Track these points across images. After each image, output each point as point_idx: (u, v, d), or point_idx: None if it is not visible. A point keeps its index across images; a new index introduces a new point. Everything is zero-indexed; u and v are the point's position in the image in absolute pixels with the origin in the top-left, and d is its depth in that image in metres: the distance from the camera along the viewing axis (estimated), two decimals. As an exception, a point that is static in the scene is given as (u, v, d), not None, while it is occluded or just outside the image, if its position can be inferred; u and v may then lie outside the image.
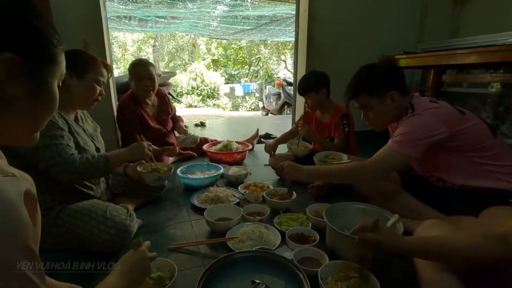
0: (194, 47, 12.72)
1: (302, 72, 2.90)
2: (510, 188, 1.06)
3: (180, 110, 8.95)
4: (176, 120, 2.48)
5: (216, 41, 12.43)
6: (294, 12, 3.07)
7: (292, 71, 3.91)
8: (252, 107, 10.98)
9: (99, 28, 2.18)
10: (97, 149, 1.38)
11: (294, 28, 3.05)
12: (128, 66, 2.21)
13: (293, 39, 3.18)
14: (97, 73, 1.25)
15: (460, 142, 1.11)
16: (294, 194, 1.58)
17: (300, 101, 2.18)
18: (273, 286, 0.92)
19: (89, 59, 1.24)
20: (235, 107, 11.06)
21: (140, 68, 2.07)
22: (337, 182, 1.52)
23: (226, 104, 11.09)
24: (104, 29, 2.21)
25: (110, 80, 2.55)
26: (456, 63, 2.21)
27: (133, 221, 1.25)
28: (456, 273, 0.79)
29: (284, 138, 2.19)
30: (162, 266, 1.01)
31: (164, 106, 2.34)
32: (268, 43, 12.16)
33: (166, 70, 11.41)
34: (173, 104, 2.60)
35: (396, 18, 3.07)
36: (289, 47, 11.58)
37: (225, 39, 10.45)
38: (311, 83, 1.95)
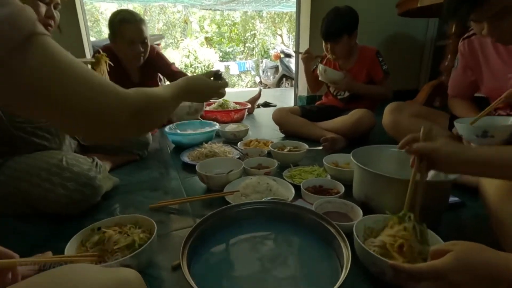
0: (186, 23, 12.09)
1: (305, 40, 2.56)
2: None
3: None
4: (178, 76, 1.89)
5: (209, 17, 11.81)
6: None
7: (289, 45, 3.53)
8: (249, 85, 10.58)
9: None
10: None
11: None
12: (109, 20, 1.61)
13: (290, 9, 2.80)
14: None
15: None
16: (306, 146, 1.30)
17: (302, 72, 1.85)
18: (294, 249, 0.65)
19: None
20: (231, 86, 10.65)
21: (130, 28, 1.55)
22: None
23: (221, 82, 10.65)
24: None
25: (86, 46, 2.21)
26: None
27: (100, 173, 0.96)
28: None
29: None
30: (140, 223, 0.74)
31: (152, 69, 1.86)
32: (263, 15, 11.59)
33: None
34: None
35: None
36: (286, 19, 11.03)
37: (217, 9, 9.87)
38: (347, 24, 1.58)
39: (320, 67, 1.66)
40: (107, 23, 1.64)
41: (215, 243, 0.67)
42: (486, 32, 0.88)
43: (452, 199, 0.95)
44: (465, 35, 1.16)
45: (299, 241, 0.67)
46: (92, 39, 2.99)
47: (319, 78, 1.73)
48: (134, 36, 1.57)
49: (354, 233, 0.64)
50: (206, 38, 12.17)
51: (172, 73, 1.89)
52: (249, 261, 0.61)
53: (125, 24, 1.56)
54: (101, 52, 1.28)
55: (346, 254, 0.55)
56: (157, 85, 1.89)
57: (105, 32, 1.94)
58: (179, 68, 1.98)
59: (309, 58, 1.80)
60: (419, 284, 0.48)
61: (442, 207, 0.81)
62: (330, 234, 0.63)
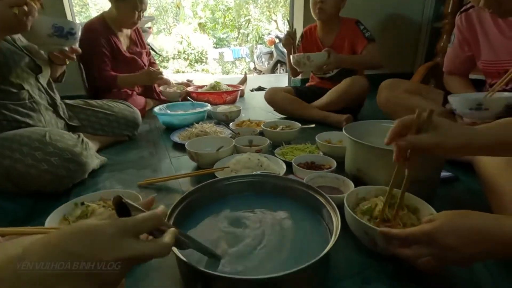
0: (179, 8, 11.77)
1: (299, 21, 2.48)
2: None
3: (168, 75, 8.38)
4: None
5: (202, 2, 11.49)
6: None
7: (284, 31, 3.44)
8: (243, 73, 10.43)
9: None
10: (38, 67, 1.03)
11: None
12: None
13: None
14: None
15: None
16: (299, 124, 1.28)
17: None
18: (283, 219, 0.63)
19: None
20: (225, 73, 10.49)
21: None
22: None
23: (215, 69, 10.49)
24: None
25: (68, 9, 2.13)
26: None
27: (86, 150, 0.93)
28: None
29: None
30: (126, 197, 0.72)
31: (138, 39, 1.98)
32: (258, 1, 11.32)
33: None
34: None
35: None
36: (281, 4, 10.80)
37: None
38: None
39: (300, 57, 1.47)
40: (96, 7, 1.73)
41: (203, 215, 0.65)
42: (483, 4, 0.86)
43: (446, 173, 0.94)
44: (463, 9, 1.13)
45: (288, 211, 0.66)
46: (84, 20, 2.88)
47: (300, 70, 1.59)
48: (139, 4, 1.71)
49: (345, 203, 0.63)
50: (199, 24, 11.89)
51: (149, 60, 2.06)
52: (238, 232, 0.59)
53: None
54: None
55: (336, 221, 0.54)
56: (146, 54, 2.02)
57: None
58: (154, 60, 2.15)
59: (290, 41, 1.70)
60: (409, 248, 0.47)
61: (435, 182, 0.80)
62: (320, 203, 0.62)
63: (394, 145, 0.53)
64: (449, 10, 2.13)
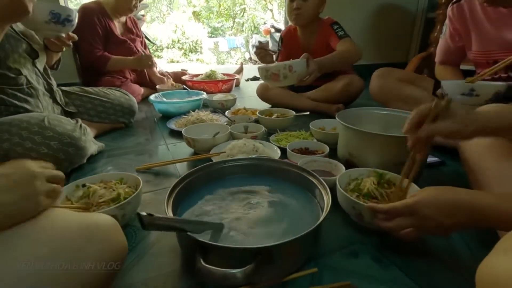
0: (172, -4, 11.53)
1: None
2: None
3: (162, 65, 8.27)
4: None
5: (196, -10, 11.25)
6: None
7: (280, 20, 3.41)
8: (238, 63, 10.32)
9: None
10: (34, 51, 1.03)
11: None
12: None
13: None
14: None
15: None
16: (294, 112, 1.30)
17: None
18: (277, 198, 0.67)
19: None
20: (220, 63, 10.38)
21: None
22: None
23: (210, 59, 10.37)
24: None
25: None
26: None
27: (85, 135, 0.94)
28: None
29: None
30: (125, 179, 0.74)
31: (134, 27, 1.99)
32: (253, -11, 11.13)
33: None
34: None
35: None
36: (277, -7, 10.64)
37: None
38: None
39: (279, 67, 1.25)
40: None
41: (200, 196, 0.68)
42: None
43: (434, 159, 0.99)
44: (454, 0, 1.15)
45: (282, 192, 0.69)
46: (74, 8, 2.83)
47: (279, 86, 1.42)
48: None
49: (337, 182, 0.66)
50: (194, 13, 11.69)
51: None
52: (233, 210, 0.62)
53: None
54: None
55: (327, 199, 0.57)
56: (140, 43, 2.03)
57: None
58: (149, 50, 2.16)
59: (264, 54, 1.60)
60: (394, 220, 0.51)
61: (421, 164, 0.83)
62: (312, 184, 0.65)
63: (412, 135, 0.54)
64: (443, 1, 2.15)
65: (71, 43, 1.04)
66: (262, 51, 1.59)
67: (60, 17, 0.89)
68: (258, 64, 1.65)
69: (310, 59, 1.27)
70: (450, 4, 1.16)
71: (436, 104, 0.51)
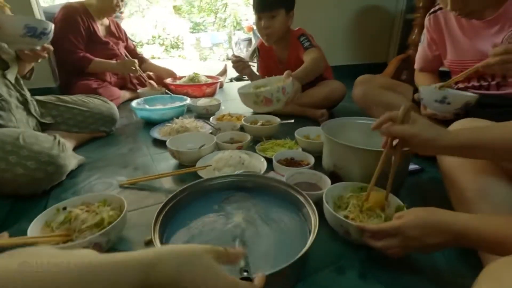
0: (152, -11, 11.17)
1: None
2: None
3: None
4: (142, 61, 2.09)
5: (176, -17, 10.96)
6: None
7: None
8: (221, 59, 10.20)
9: None
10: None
11: None
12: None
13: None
14: None
15: None
16: (279, 119, 1.31)
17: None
18: (265, 219, 0.67)
19: None
20: (203, 59, 10.22)
21: None
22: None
23: (192, 55, 10.18)
24: None
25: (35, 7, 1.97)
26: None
27: (64, 151, 0.90)
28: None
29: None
30: (109, 201, 0.72)
31: (117, 30, 1.96)
32: (235, -16, 10.97)
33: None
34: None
35: None
36: (259, -11, 10.53)
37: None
38: None
39: (272, 92, 1.09)
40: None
41: (188, 217, 0.67)
42: (450, 6, 0.92)
43: (414, 166, 1.03)
44: (431, 10, 1.19)
45: (270, 210, 0.69)
46: (45, 5, 2.68)
47: (268, 111, 1.22)
48: None
49: (324, 200, 0.68)
50: (174, 7, 11.40)
51: (129, 50, 2.03)
52: (222, 232, 0.62)
53: None
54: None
55: (314, 220, 0.58)
56: (123, 46, 1.99)
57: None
58: (135, 46, 2.14)
59: (243, 66, 1.56)
60: (381, 241, 0.53)
61: (404, 174, 0.87)
62: (300, 203, 0.66)
63: (381, 132, 0.61)
64: (421, 4, 2.21)
65: (46, 55, 0.99)
66: (240, 64, 1.55)
67: (36, 31, 0.84)
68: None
69: (293, 77, 1.19)
70: (428, 14, 1.20)
71: (403, 110, 0.58)
